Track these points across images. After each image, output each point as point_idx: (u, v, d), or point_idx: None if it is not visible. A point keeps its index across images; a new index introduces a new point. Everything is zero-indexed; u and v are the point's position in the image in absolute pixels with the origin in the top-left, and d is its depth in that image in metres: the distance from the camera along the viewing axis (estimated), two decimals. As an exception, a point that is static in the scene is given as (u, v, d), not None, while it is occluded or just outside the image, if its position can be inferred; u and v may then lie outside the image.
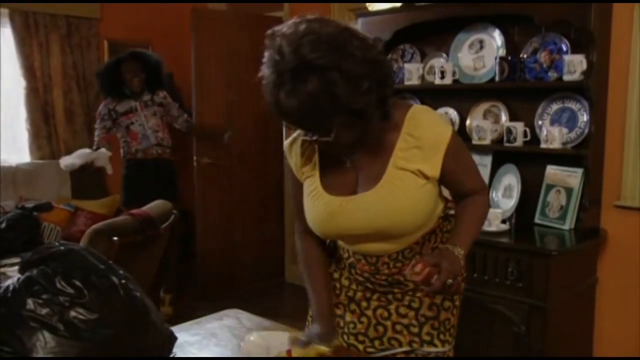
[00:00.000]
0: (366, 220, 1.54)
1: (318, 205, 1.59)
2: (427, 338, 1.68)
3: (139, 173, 4.23)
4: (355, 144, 1.49)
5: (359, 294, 1.71)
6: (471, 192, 1.65)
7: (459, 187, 1.64)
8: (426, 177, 1.53)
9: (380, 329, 1.69)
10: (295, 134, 1.66)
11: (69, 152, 4.83)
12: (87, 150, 4.04)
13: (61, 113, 4.81)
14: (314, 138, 1.45)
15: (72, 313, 1.13)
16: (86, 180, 4.70)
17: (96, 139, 4.18)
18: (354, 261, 1.68)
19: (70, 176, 4.64)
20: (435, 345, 1.68)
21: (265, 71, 1.36)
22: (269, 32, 1.38)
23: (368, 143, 1.52)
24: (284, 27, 1.36)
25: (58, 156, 4.76)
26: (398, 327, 1.69)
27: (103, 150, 4.05)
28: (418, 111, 1.54)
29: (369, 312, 1.71)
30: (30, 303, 1.11)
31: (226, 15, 4.87)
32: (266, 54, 1.36)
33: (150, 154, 4.21)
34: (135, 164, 4.23)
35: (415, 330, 1.68)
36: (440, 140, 1.52)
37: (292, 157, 1.67)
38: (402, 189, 1.52)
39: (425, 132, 1.52)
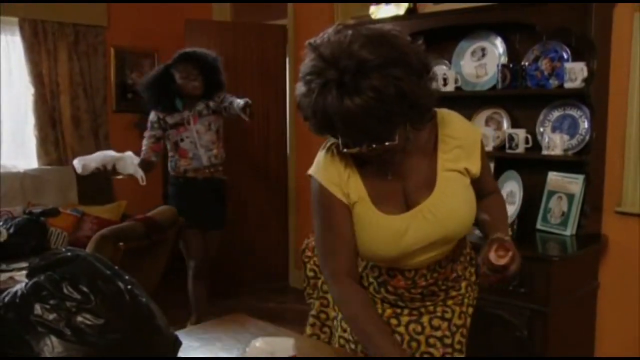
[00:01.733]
0: (432, 230, 1.49)
1: (379, 229, 1.49)
2: (458, 347, 1.65)
3: (186, 193, 3.72)
4: (398, 151, 1.43)
5: (388, 311, 1.63)
6: (492, 191, 1.68)
7: (484, 185, 1.62)
8: (470, 175, 1.54)
9: (414, 344, 1.62)
10: (321, 158, 1.53)
11: (76, 157, 4.87)
12: (109, 153, 3.51)
13: (68, 119, 4.86)
14: (373, 146, 1.34)
15: (79, 318, 1.15)
16: (93, 186, 4.74)
17: (143, 148, 3.66)
18: (387, 278, 1.59)
19: (77, 181, 4.68)
20: (463, 353, 1.67)
21: (304, 84, 1.32)
22: (309, 42, 1.34)
23: (405, 149, 1.45)
24: (325, 36, 1.34)
25: (65, 162, 4.81)
26: (431, 341, 1.63)
27: (129, 153, 3.50)
28: (446, 113, 1.55)
29: (401, 329, 1.63)
30: (38, 308, 1.13)
31: (221, 26, 4.92)
32: (306, 64, 1.32)
33: (202, 173, 3.72)
34: (183, 182, 3.73)
35: (449, 341, 1.64)
36: (476, 137, 1.56)
37: (334, 182, 1.50)
38: (457, 190, 1.51)
39: (461, 132, 1.53)
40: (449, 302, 1.65)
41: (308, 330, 1.82)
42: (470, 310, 1.70)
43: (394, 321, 1.63)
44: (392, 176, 1.50)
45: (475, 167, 1.53)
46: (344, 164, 1.50)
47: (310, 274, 1.83)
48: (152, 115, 3.68)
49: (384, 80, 1.25)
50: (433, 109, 1.48)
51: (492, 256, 1.41)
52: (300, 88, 1.35)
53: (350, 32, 1.32)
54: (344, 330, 1.68)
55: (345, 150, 1.40)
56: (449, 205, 1.49)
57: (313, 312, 1.82)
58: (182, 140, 3.64)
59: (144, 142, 3.67)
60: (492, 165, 3.29)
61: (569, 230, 2.99)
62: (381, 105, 1.26)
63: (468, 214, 1.53)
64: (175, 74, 3.59)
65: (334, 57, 1.27)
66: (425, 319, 1.63)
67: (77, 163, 3.42)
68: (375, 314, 1.54)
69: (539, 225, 3.12)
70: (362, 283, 1.64)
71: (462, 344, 1.67)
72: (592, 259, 3.06)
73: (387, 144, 1.34)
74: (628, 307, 3.02)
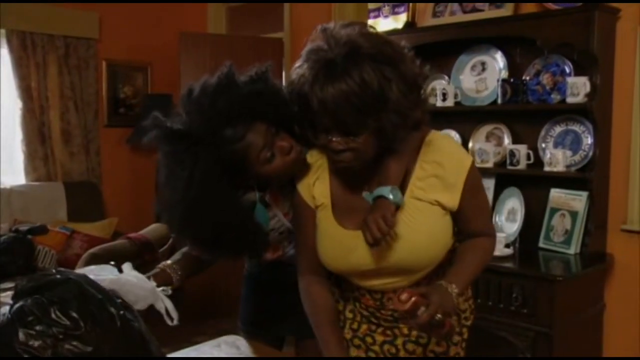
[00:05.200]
0: (383, 257, 1.46)
1: (331, 240, 1.51)
2: None
3: (276, 277, 2.06)
4: (370, 164, 1.44)
5: (364, 327, 1.63)
6: (479, 234, 1.55)
7: (468, 224, 1.53)
8: (444, 209, 1.46)
9: None
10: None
11: (66, 173, 4.80)
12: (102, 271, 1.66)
13: (58, 134, 4.76)
14: (335, 138, 1.35)
15: (67, 346, 1.07)
16: (83, 202, 4.65)
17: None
18: (358, 295, 1.61)
19: (66, 198, 4.58)
20: None
21: (304, 62, 1.36)
22: (320, 26, 1.38)
23: (383, 169, 1.45)
24: (337, 25, 1.38)
25: (54, 178, 4.72)
26: None
27: (133, 274, 1.61)
28: (438, 138, 1.49)
29: (376, 348, 1.62)
30: (22, 335, 1.05)
31: (216, 39, 4.86)
32: (310, 46, 1.36)
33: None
34: (267, 264, 2.00)
35: None
36: (461, 168, 1.46)
37: (303, 182, 1.56)
38: (421, 222, 1.44)
39: (445, 160, 1.45)
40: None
41: None
42: (456, 338, 1.63)
43: (369, 339, 1.61)
44: (367, 188, 1.48)
45: (452, 201, 1.45)
46: (317, 168, 1.54)
47: None
48: None
49: (372, 73, 1.28)
50: (420, 130, 1.46)
51: (394, 299, 1.36)
52: (296, 65, 1.39)
53: (362, 26, 1.39)
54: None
55: (314, 140, 1.43)
56: (410, 236, 1.44)
57: None
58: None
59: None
60: (492, 182, 3.24)
61: (573, 249, 2.92)
62: (361, 97, 1.28)
63: (428, 247, 1.47)
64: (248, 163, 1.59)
65: (336, 40, 1.33)
66: (399, 341, 1.59)
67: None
68: (329, 318, 1.59)
69: (541, 244, 3.06)
70: (342, 295, 1.66)
71: None
72: (597, 279, 2.99)
73: (351, 139, 1.35)
74: (635, 330, 2.94)
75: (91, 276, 1.39)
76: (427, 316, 1.28)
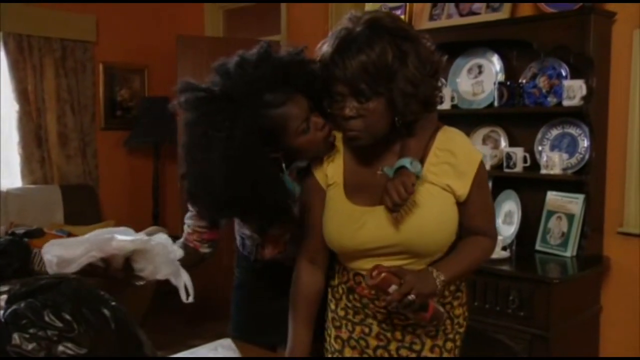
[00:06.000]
0: (388, 233, 1.49)
1: (340, 215, 1.55)
2: None
3: (268, 283, 1.99)
4: (385, 145, 1.51)
5: (358, 329, 1.63)
6: (481, 232, 1.58)
7: (472, 220, 1.55)
8: (454, 195, 1.51)
9: None
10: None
11: (62, 176, 4.80)
12: (117, 232, 1.53)
13: (54, 137, 4.76)
14: (348, 104, 1.43)
15: (60, 348, 1.07)
16: (80, 205, 4.64)
17: (187, 229, 1.78)
18: (353, 285, 1.61)
19: (63, 201, 4.57)
20: None
21: (328, 40, 1.46)
22: (347, 15, 1.49)
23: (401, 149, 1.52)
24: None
25: (51, 181, 4.71)
26: None
27: (161, 235, 1.57)
28: (450, 130, 1.57)
29: (369, 351, 1.64)
30: (16, 338, 1.05)
31: (214, 42, 4.86)
32: (335, 27, 1.47)
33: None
34: (261, 269, 1.98)
35: None
36: (472, 160, 1.52)
37: (317, 162, 1.61)
38: (432, 204, 1.49)
39: (458, 149, 1.52)
40: (419, 331, 1.59)
41: None
42: (449, 345, 1.63)
43: (362, 342, 1.63)
44: (377, 168, 1.51)
45: (463, 189, 1.50)
46: (333, 155, 1.59)
47: None
48: None
49: (389, 45, 1.38)
50: (434, 111, 1.55)
51: (367, 274, 1.41)
52: (320, 45, 1.49)
53: (382, 12, 1.58)
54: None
55: (329, 110, 1.49)
56: (420, 217, 1.48)
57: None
58: None
59: (188, 219, 1.79)
60: (489, 185, 3.23)
61: (569, 252, 2.93)
62: (376, 65, 1.37)
63: (435, 230, 1.50)
64: (285, 135, 1.58)
65: (358, 18, 1.45)
66: (392, 346, 1.60)
67: (49, 257, 1.45)
68: (310, 313, 1.65)
69: (538, 246, 3.06)
70: (334, 294, 1.68)
71: None
72: (593, 282, 3.00)
73: (362, 105, 1.41)
74: (632, 332, 2.94)
75: (118, 236, 1.43)
76: (398, 295, 1.34)
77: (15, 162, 4.65)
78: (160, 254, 1.46)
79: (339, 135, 1.59)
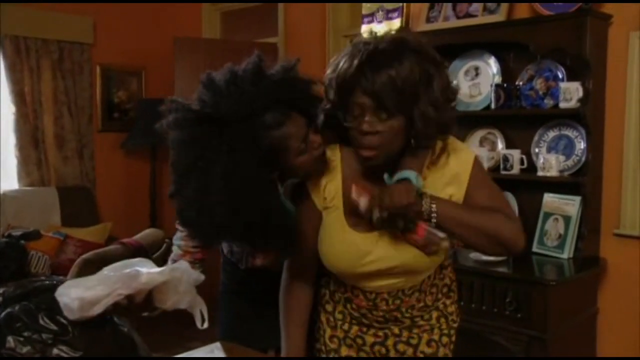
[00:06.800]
0: (396, 258, 1.49)
1: (343, 244, 1.52)
2: None
3: (257, 288, 1.94)
4: (388, 161, 1.46)
5: (354, 328, 1.65)
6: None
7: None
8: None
9: None
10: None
11: (59, 178, 4.79)
12: (136, 265, 1.42)
13: (51, 139, 4.75)
14: (367, 119, 1.38)
15: (55, 351, 1.07)
16: (77, 207, 4.63)
17: (175, 250, 1.72)
18: (350, 296, 1.62)
19: (60, 203, 4.56)
20: None
21: (345, 55, 1.42)
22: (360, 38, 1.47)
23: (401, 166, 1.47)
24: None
25: (48, 183, 4.69)
26: None
27: (183, 264, 1.48)
28: (453, 140, 1.52)
29: (367, 349, 1.65)
30: (10, 341, 1.05)
31: (211, 44, 4.85)
32: (353, 42, 1.45)
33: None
34: (246, 274, 1.94)
35: None
36: (464, 166, 1.50)
37: (314, 181, 1.57)
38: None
39: (450, 158, 1.49)
40: (415, 330, 1.62)
41: None
42: (445, 339, 1.65)
43: (359, 340, 1.64)
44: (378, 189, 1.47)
45: (460, 192, 1.49)
46: (330, 170, 1.55)
47: None
48: None
49: (417, 65, 1.36)
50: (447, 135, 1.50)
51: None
52: (334, 60, 1.47)
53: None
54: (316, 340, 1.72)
55: (345, 123, 1.44)
56: None
57: None
58: None
59: (177, 240, 1.73)
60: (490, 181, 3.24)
61: (566, 253, 2.93)
62: (405, 81, 1.34)
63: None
64: (284, 155, 1.54)
65: (381, 36, 1.45)
66: (390, 341, 1.62)
67: (68, 300, 1.21)
68: (301, 320, 1.66)
69: (535, 248, 3.06)
70: (332, 297, 1.67)
71: None
72: (590, 283, 3.00)
73: (382, 121, 1.38)
74: (629, 334, 2.94)
75: (142, 269, 1.32)
76: (366, 205, 1.38)
77: (12, 164, 4.64)
78: (184, 282, 1.39)
79: (337, 156, 1.56)
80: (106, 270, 1.33)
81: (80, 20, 4.83)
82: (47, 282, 1.13)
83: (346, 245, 1.51)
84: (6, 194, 4.41)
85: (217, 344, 1.83)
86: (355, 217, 1.49)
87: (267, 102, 1.44)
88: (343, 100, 1.43)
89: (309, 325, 1.72)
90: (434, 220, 1.39)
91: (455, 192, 1.49)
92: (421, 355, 1.63)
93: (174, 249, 1.71)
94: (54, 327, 1.07)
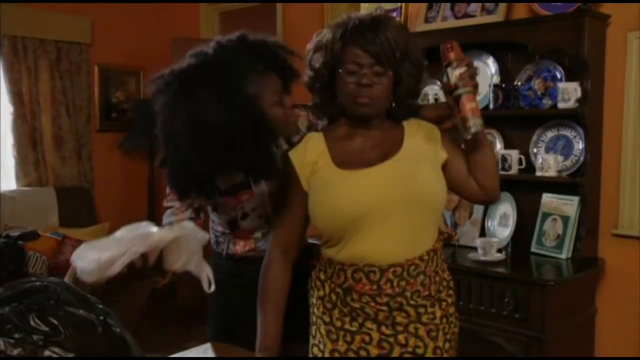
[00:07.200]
0: (390, 188, 1.57)
1: (338, 183, 1.59)
2: None
3: (249, 283, 1.87)
4: (378, 112, 1.65)
5: (357, 338, 1.61)
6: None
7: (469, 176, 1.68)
8: (436, 157, 1.66)
9: None
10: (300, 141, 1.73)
11: (57, 178, 4.78)
12: (146, 229, 1.32)
13: (49, 139, 4.74)
14: (367, 71, 1.56)
15: (47, 352, 1.05)
16: (75, 208, 4.62)
17: (167, 222, 1.89)
18: (352, 283, 1.59)
19: (58, 203, 4.55)
20: None
21: (330, 30, 1.65)
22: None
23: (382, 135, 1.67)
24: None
25: (46, 183, 4.68)
26: None
27: (189, 224, 1.38)
28: (414, 119, 1.75)
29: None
30: (1, 343, 1.03)
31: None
32: (327, 27, 1.68)
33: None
34: (234, 268, 2.02)
35: None
36: (433, 128, 1.71)
37: (301, 162, 1.67)
38: (422, 163, 1.62)
39: (421, 125, 1.71)
40: (421, 331, 1.59)
41: None
42: (447, 345, 1.65)
43: (362, 352, 1.60)
44: (360, 145, 1.65)
45: (436, 151, 1.66)
46: (317, 145, 1.67)
47: None
48: None
49: (401, 32, 1.62)
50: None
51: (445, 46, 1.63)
52: (318, 36, 1.69)
53: None
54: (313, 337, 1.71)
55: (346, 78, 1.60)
56: (409, 167, 1.60)
57: None
58: (245, 216, 1.94)
59: (166, 216, 1.91)
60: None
61: (565, 254, 2.92)
62: (396, 42, 1.57)
63: (433, 181, 1.61)
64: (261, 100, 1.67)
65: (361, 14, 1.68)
66: (395, 352, 1.59)
67: (85, 263, 1.30)
68: (279, 306, 1.70)
69: (533, 248, 3.05)
70: (329, 299, 1.66)
71: None
72: (589, 284, 2.99)
73: (379, 75, 1.57)
74: (627, 334, 2.94)
75: (153, 229, 1.31)
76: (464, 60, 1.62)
77: (9, 164, 4.64)
78: (192, 240, 1.37)
79: (319, 139, 1.70)
80: (118, 233, 1.33)
81: (78, 20, 4.82)
82: (38, 283, 1.11)
83: (342, 182, 1.59)
84: (4, 194, 4.40)
85: (209, 345, 1.82)
86: (346, 165, 1.62)
87: (249, 55, 1.64)
88: (334, 63, 1.61)
89: (295, 323, 1.73)
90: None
91: (435, 149, 1.67)
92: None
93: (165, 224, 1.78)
94: (45, 328, 1.05)
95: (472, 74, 1.60)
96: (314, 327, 1.70)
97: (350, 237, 1.59)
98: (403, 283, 1.57)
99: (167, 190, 1.95)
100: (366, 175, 1.59)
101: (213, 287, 1.47)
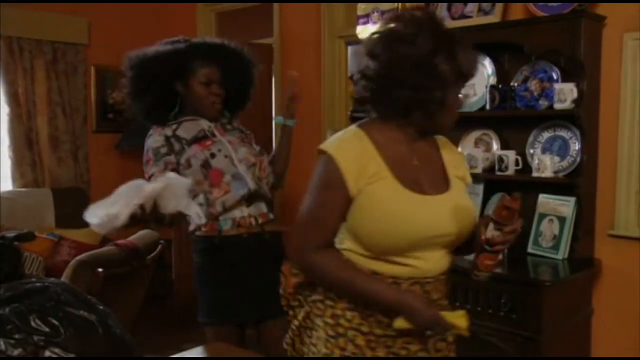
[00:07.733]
0: (448, 220, 1.55)
1: (402, 204, 1.50)
2: None
3: (225, 264, 2.29)
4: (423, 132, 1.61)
5: (399, 340, 1.57)
6: None
7: None
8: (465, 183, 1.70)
9: None
10: (343, 138, 1.58)
11: (53, 179, 4.77)
12: (140, 184, 1.89)
13: (45, 140, 4.74)
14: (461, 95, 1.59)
15: (47, 353, 1.06)
16: (71, 208, 4.60)
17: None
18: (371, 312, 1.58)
19: (54, 204, 4.54)
20: None
21: (424, 36, 1.50)
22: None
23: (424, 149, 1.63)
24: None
25: (42, 184, 4.67)
26: None
27: (172, 175, 1.99)
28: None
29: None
30: (1, 343, 1.04)
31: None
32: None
33: (247, 226, 2.30)
34: (218, 245, 2.28)
35: None
36: (462, 157, 1.80)
37: (350, 166, 1.50)
38: (464, 192, 1.66)
39: (452, 147, 1.75)
40: (439, 345, 1.62)
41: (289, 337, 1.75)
42: (452, 347, 1.68)
43: (403, 352, 1.58)
44: (417, 161, 1.59)
45: (468, 176, 1.72)
46: (366, 148, 1.54)
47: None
48: (154, 139, 2.33)
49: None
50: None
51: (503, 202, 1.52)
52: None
53: None
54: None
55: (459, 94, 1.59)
56: (464, 201, 1.61)
57: (296, 323, 1.73)
58: (213, 155, 2.28)
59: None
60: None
61: (561, 254, 2.93)
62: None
63: (474, 216, 1.63)
64: (192, 78, 2.38)
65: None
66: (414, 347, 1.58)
67: (97, 219, 1.78)
68: (364, 272, 1.56)
69: (530, 249, 3.06)
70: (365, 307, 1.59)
71: None
72: (585, 284, 3.00)
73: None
74: (624, 334, 2.95)
75: (136, 183, 1.74)
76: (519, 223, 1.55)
77: (5, 165, 4.63)
78: (180, 185, 1.75)
79: (360, 135, 1.57)
80: (117, 192, 1.77)
81: (75, 21, 4.82)
82: (39, 284, 1.12)
83: (411, 204, 1.51)
84: (0, 195, 4.39)
85: (209, 345, 1.83)
86: (407, 184, 1.54)
87: (202, 48, 2.45)
88: (424, 78, 1.49)
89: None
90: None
91: (467, 175, 1.72)
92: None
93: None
94: (45, 329, 1.06)
95: (507, 240, 1.52)
96: (341, 339, 1.58)
97: (408, 255, 1.55)
98: (443, 289, 1.67)
99: (144, 156, 2.32)
100: (436, 204, 1.55)
101: (204, 220, 2.05)
